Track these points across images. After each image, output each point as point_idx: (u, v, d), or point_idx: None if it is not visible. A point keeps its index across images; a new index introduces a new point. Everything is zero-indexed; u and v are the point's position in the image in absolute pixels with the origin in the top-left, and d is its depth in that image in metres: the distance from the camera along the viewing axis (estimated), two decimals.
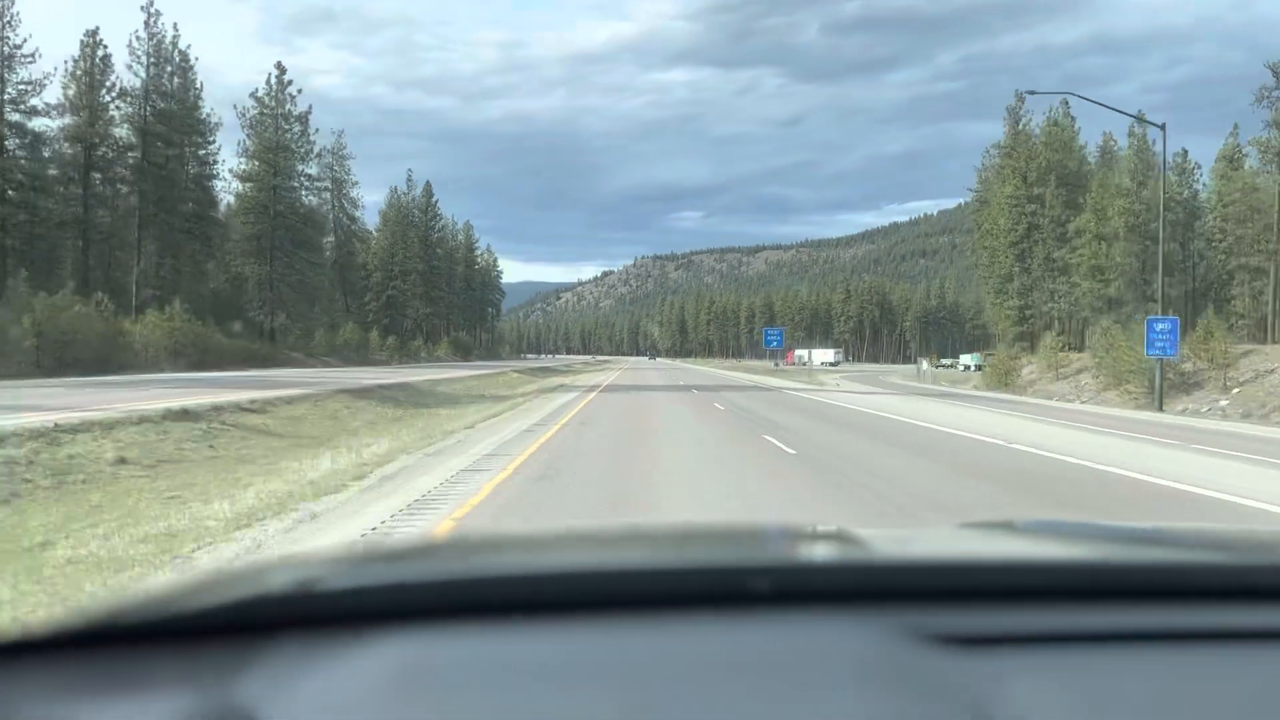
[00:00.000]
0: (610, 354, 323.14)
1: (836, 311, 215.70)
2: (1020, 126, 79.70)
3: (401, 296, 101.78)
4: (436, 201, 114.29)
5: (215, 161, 62.37)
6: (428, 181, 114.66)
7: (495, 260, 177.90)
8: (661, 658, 0.90)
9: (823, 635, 0.94)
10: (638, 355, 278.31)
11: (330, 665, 0.88)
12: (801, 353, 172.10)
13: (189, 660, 0.91)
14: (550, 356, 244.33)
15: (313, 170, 70.02)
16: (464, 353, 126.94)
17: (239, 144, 65.02)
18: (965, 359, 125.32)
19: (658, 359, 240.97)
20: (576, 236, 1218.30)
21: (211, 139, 60.99)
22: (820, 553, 1.35)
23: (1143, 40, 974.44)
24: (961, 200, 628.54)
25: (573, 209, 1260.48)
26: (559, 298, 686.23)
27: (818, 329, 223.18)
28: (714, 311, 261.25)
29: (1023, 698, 0.84)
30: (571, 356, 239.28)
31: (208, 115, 61.41)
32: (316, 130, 70.08)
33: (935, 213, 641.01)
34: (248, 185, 65.15)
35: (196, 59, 59.55)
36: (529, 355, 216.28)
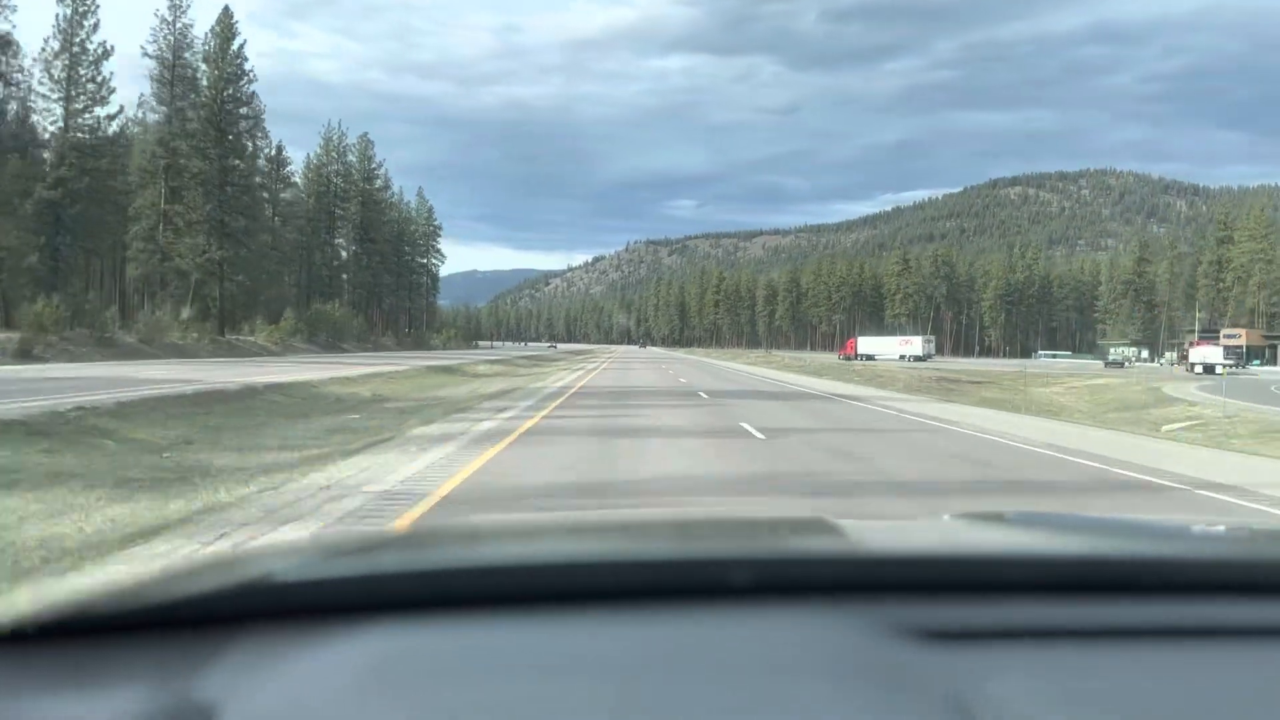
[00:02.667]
0: (598, 342, 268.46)
1: (889, 288, 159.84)
2: None
3: (82, 210, 45.28)
4: (242, 46, 57.95)
5: None
6: (225, 6, 58.16)
7: (431, 212, 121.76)
8: (641, 651, 0.86)
9: (804, 629, 0.90)
10: (628, 344, 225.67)
11: (297, 659, 0.84)
12: (869, 341, 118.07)
13: (155, 653, 0.87)
14: (521, 345, 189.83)
15: None
16: (337, 340, 72.25)
17: None
18: (1207, 354, 70.98)
19: (650, 347, 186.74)
20: (570, 224, 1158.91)
21: None
22: (804, 545, 1.29)
23: (1141, 30, 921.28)
24: (971, 185, 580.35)
25: (567, 197, 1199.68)
26: (548, 283, 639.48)
27: (862, 310, 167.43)
28: (723, 291, 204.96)
29: (1003, 694, 0.80)
30: (543, 346, 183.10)
31: None
32: None
33: (940, 196, 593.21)
34: None
35: None
36: (485, 344, 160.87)
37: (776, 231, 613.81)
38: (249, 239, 57.91)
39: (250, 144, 60.04)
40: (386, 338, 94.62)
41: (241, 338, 55.16)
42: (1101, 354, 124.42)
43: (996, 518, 1.47)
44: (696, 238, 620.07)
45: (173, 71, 53.91)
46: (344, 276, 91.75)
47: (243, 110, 57.70)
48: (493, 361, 48.70)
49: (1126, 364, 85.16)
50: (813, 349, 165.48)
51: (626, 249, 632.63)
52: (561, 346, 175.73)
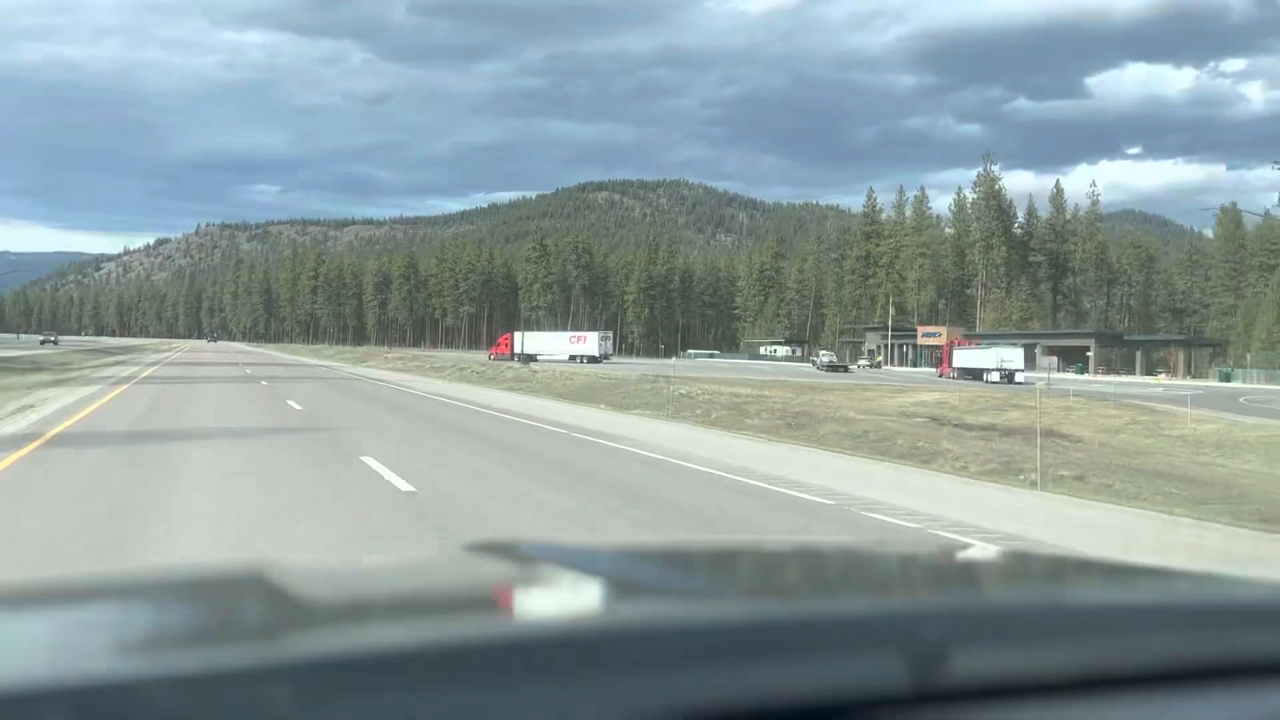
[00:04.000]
0: (159, 335, 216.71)
1: (525, 277, 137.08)
2: None
3: None
4: None
5: None
6: None
7: None
8: None
9: None
10: (199, 338, 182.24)
11: None
12: (531, 338, 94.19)
13: None
14: (53, 340, 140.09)
15: None
16: None
17: None
18: (1005, 357, 55.20)
19: (227, 342, 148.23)
20: (129, 204, 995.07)
21: None
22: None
23: (703, 58, 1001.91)
24: (562, 187, 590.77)
25: (126, 174, 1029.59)
26: (99, 268, 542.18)
27: (494, 301, 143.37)
28: (322, 277, 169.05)
29: None
30: (37, 339, 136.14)
31: None
32: None
33: (534, 197, 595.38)
34: None
35: None
36: None
37: (370, 222, 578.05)
38: None
39: None
40: None
41: None
42: (752, 352, 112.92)
43: (507, 549, 1.17)
44: (280, 223, 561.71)
45: None
46: None
47: None
48: None
49: (861, 368, 70.23)
50: (434, 346, 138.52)
51: (197, 232, 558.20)
52: (109, 341, 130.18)
